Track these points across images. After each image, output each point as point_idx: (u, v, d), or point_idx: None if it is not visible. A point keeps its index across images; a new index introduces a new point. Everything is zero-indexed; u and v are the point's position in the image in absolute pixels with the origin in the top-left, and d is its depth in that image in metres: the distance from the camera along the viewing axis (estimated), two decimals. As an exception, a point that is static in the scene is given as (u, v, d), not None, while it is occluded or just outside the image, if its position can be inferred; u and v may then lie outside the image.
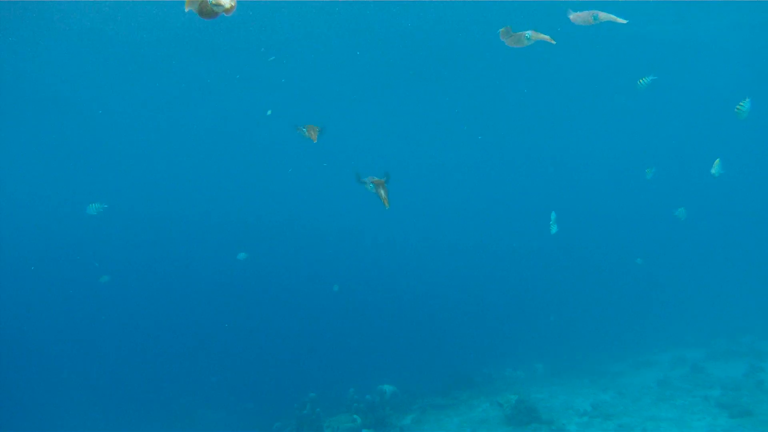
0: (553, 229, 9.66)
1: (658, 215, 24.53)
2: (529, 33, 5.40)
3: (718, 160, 8.86)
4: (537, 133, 30.03)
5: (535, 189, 34.99)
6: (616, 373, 16.40)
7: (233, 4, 4.01)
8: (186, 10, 4.08)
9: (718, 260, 28.74)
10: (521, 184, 36.54)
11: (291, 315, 23.63)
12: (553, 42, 5.41)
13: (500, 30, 5.49)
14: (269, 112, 21.37)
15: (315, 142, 6.56)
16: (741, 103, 7.57)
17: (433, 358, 19.10)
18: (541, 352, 18.86)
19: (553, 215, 9.64)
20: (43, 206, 29.34)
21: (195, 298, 25.68)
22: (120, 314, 24.36)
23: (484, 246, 33.00)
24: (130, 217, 29.84)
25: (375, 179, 5.71)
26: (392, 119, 27.02)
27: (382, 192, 5.64)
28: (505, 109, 25.13)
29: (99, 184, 28.68)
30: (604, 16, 5.33)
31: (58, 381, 19.86)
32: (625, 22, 5.33)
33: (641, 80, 9.03)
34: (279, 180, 33.31)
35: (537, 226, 23.77)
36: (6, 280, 24.83)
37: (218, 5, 3.99)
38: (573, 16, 5.51)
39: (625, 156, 32.55)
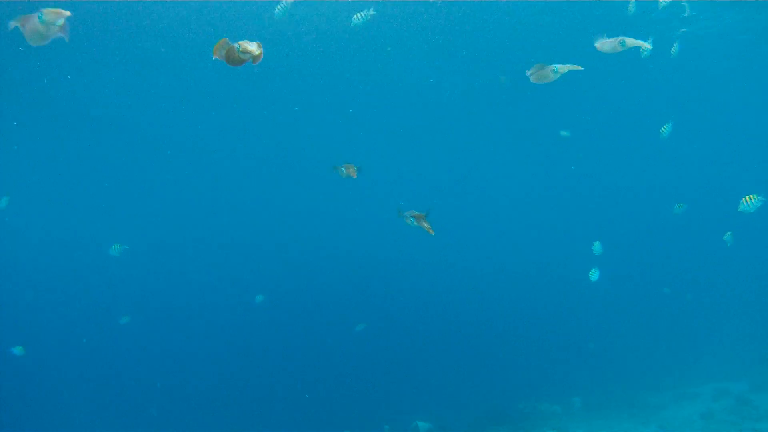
0: (597, 250, 9.59)
1: (697, 241, 24.09)
2: (556, 66, 5.34)
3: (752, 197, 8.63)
4: (579, 156, 29.79)
5: (569, 215, 34.69)
6: (657, 405, 15.95)
7: (261, 51, 4.07)
8: (213, 57, 4.16)
9: (754, 287, 27.92)
10: (556, 210, 36.19)
11: (322, 350, 23.57)
12: (581, 68, 5.34)
13: (529, 70, 5.47)
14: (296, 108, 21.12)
15: (355, 178, 6.72)
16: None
17: (468, 391, 18.82)
18: (576, 384, 18.43)
19: (597, 245, 9.55)
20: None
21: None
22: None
23: (517, 273, 32.58)
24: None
25: (415, 213, 5.98)
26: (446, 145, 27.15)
27: (425, 224, 5.91)
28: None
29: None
30: (631, 42, 5.32)
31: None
32: (650, 47, 5.42)
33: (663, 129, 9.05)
34: (296, 209, 33.41)
35: (573, 253, 23.56)
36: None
37: (246, 52, 4.05)
38: (599, 44, 5.52)
39: (660, 184, 32.19)
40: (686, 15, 9.43)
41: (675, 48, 9.66)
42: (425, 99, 20.55)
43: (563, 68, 5.35)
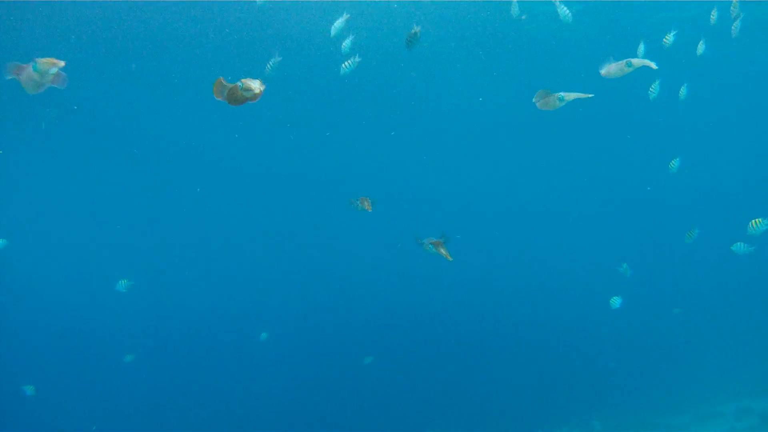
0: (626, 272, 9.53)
1: (716, 256, 23.78)
2: (562, 95, 5.32)
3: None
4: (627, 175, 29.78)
5: (589, 234, 34.53)
6: (679, 427, 15.66)
7: (262, 88, 4.04)
8: (217, 98, 4.13)
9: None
10: (576, 230, 35.97)
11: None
12: (590, 95, 5.33)
13: (536, 95, 5.44)
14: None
15: (370, 211, 6.78)
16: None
17: (482, 417, 18.58)
18: (596, 407, 18.13)
19: (625, 266, 9.48)
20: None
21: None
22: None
23: (536, 293, 32.22)
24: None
25: (433, 240, 6.10)
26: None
27: (443, 250, 6.03)
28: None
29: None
30: (637, 62, 5.24)
31: None
32: (656, 67, 5.30)
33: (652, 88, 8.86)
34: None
35: (593, 272, 23.32)
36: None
37: (248, 90, 4.01)
38: (605, 70, 5.42)
39: (679, 198, 32.02)
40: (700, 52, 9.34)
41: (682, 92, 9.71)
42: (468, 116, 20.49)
43: (569, 96, 5.32)
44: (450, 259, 5.95)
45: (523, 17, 13.14)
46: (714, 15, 9.26)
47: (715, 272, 28.90)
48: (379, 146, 24.14)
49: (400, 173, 28.31)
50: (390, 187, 29.68)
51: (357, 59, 8.01)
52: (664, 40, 8.58)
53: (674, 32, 8.58)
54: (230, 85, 4.10)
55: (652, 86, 9.01)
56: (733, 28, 8.80)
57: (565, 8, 8.15)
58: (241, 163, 24.49)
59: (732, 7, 8.53)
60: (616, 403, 18.42)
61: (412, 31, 6.27)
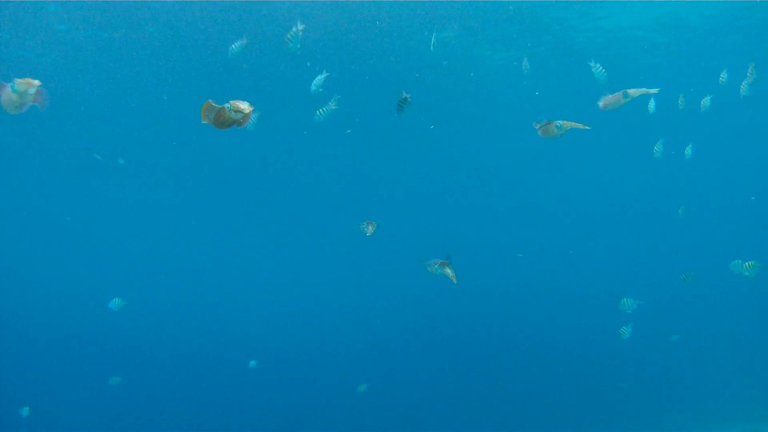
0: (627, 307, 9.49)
1: (720, 277, 23.81)
2: (560, 123, 5.39)
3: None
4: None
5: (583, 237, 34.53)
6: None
7: (251, 109, 3.95)
8: (203, 121, 4.04)
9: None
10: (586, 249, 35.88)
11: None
12: (588, 127, 5.35)
13: (536, 123, 5.56)
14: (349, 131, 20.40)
15: (370, 235, 7.26)
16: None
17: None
18: (600, 428, 18.00)
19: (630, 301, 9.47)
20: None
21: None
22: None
23: (541, 311, 32.02)
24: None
25: (439, 261, 6.07)
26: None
27: (449, 270, 5.96)
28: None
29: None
30: (634, 91, 5.26)
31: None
32: (656, 91, 5.33)
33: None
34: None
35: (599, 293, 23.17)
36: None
37: (237, 111, 3.90)
38: (603, 103, 5.48)
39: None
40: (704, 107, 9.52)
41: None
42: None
43: (567, 124, 5.37)
44: (455, 281, 5.86)
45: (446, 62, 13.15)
46: (723, 76, 9.45)
47: (720, 294, 28.92)
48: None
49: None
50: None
51: (333, 104, 8.17)
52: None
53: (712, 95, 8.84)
54: (218, 107, 3.99)
55: (656, 146, 9.56)
56: (742, 87, 8.97)
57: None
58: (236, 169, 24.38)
59: (749, 72, 8.72)
60: (622, 425, 18.27)
61: (403, 96, 6.44)
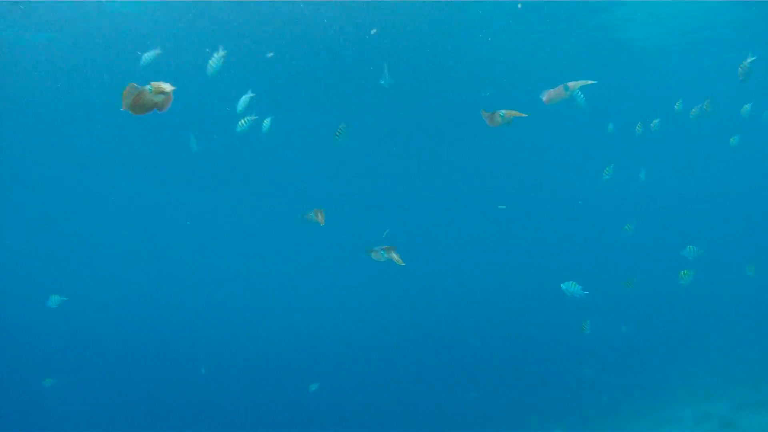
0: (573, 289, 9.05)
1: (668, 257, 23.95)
2: (503, 112, 5.53)
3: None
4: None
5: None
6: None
7: (173, 88, 3.69)
8: (123, 109, 3.76)
9: (729, 301, 27.89)
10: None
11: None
12: (525, 115, 5.50)
13: (482, 112, 5.66)
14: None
15: (322, 224, 6.73)
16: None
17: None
18: (555, 413, 17.80)
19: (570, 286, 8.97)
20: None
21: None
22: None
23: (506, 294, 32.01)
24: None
25: (383, 247, 6.09)
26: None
27: (395, 255, 5.99)
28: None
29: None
30: (573, 84, 5.38)
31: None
32: (594, 82, 5.54)
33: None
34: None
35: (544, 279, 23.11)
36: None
37: (160, 93, 3.67)
38: (546, 97, 5.57)
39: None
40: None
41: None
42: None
43: (509, 113, 5.52)
44: (402, 263, 5.86)
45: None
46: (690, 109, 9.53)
47: (671, 277, 29.09)
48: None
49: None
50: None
51: (252, 117, 8.13)
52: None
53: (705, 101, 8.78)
54: (138, 90, 3.70)
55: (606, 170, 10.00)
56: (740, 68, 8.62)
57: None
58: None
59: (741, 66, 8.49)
60: (576, 409, 18.12)
61: (340, 126, 6.78)
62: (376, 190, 29.85)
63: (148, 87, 3.67)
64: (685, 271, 9.37)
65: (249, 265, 36.36)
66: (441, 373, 23.27)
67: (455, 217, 35.66)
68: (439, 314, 29.31)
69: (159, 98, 3.67)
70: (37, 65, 12.84)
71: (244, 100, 8.21)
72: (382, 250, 6.09)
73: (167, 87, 3.66)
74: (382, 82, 9.78)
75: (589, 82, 5.33)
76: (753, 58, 8.33)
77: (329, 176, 25.79)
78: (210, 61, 7.49)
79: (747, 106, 9.48)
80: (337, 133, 6.85)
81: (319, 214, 6.76)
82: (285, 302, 32.71)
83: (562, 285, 8.88)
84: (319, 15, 11.60)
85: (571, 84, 5.31)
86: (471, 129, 21.90)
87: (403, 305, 30.61)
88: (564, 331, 24.36)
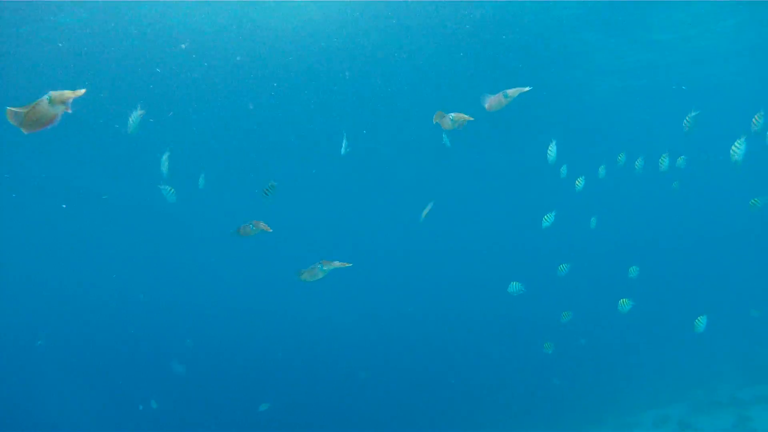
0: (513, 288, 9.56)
1: (622, 265, 24.63)
2: (452, 115, 5.67)
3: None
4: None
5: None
6: (601, 437, 15.73)
7: (77, 94, 3.22)
8: (11, 121, 3.30)
9: (682, 306, 28.82)
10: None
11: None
12: (471, 118, 5.66)
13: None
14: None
15: (270, 231, 6.55)
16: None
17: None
18: (517, 419, 18.06)
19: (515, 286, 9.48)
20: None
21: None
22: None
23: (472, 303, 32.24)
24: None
25: (320, 262, 5.84)
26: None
27: (336, 263, 5.78)
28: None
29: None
30: (512, 91, 5.49)
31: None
32: (529, 88, 5.52)
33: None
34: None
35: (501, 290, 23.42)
36: None
37: (61, 102, 3.21)
38: (488, 104, 5.66)
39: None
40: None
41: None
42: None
43: (458, 117, 5.71)
44: (349, 264, 5.67)
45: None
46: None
47: (626, 282, 29.89)
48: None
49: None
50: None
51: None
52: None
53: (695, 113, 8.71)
54: (27, 108, 3.23)
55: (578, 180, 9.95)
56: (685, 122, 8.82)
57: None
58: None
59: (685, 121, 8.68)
60: (541, 415, 18.39)
61: (270, 184, 6.75)
62: (376, 190, 29.90)
63: (46, 98, 3.19)
64: (624, 300, 9.76)
65: (249, 266, 35.78)
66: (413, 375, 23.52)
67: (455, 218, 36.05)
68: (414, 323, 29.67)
69: (58, 109, 3.22)
70: (37, 65, 12.44)
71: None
72: (320, 266, 5.81)
73: (70, 94, 3.20)
74: (342, 152, 9.61)
75: (526, 89, 5.35)
76: (697, 113, 8.51)
77: (317, 176, 25.72)
78: (129, 119, 7.37)
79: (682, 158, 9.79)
80: (266, 191, 6.76)
81: (259, 225, 6.58)
82: (285, 302, 32.33)
83: (508, 289, 9.46)
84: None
85: (510, 91, 5.39)
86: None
87: (385, 315, 30.85)
88: (529, 344, 24.93)
